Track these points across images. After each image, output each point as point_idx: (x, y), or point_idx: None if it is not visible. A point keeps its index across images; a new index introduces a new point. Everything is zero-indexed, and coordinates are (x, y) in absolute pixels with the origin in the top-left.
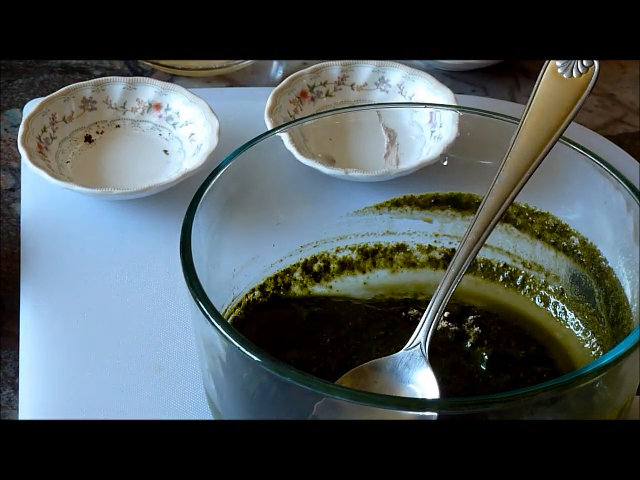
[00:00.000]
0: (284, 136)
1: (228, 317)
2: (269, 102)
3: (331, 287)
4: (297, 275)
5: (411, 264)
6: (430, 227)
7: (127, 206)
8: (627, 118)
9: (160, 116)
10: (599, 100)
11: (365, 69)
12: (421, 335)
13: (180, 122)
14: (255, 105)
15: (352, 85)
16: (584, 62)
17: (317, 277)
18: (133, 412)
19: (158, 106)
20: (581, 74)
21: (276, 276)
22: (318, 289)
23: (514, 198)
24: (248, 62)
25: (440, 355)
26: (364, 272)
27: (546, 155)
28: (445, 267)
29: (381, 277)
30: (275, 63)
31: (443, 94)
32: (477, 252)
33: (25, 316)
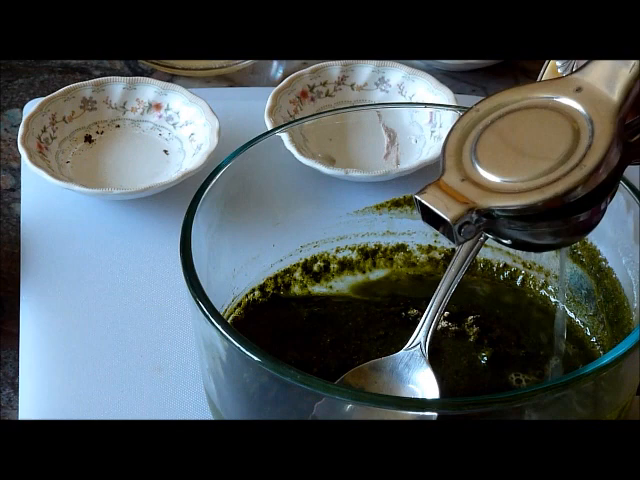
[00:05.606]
0: (284, 136)
1: (228, 317)
2: (269, 102)
3: (331, 287)
4: (297, 275)
5: (411, 264)
6: (430, 227)
7: (127, 206)
8: None
9: (160, 116)
10: None
11: (365, 69)
12: (421, 335)
13: (180, 122)
14: (255, 105)
15: (352, 85)
16: (584, 62)
17: (317, 277)
18: (133, 412)
19: (158, 106)
20: None
21: (276, 276)
22: (318, 289)
23: None
24: (248, 62)
25: (440, 355)
26: (364, 272)
27: None
28: (445, 267)
29: (381, 277)
30: (275, 63)
31: (443, 94)
32: (477, 252)
33: (25, 316)
